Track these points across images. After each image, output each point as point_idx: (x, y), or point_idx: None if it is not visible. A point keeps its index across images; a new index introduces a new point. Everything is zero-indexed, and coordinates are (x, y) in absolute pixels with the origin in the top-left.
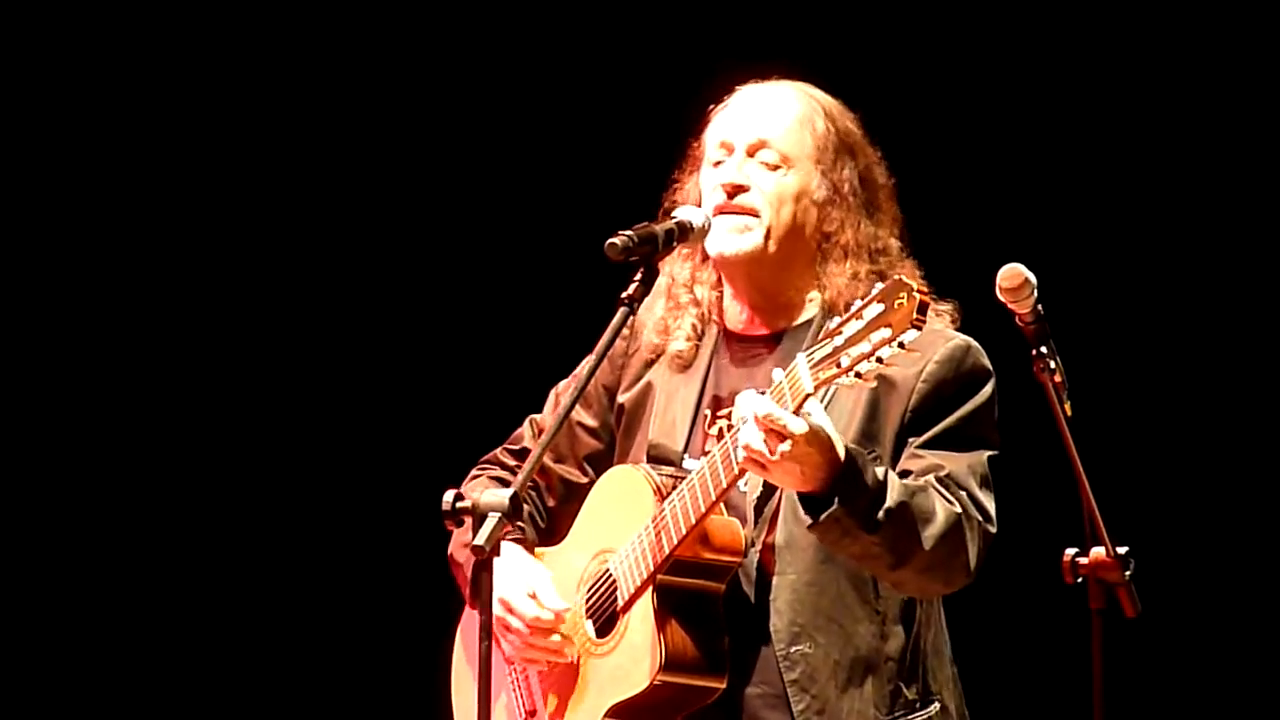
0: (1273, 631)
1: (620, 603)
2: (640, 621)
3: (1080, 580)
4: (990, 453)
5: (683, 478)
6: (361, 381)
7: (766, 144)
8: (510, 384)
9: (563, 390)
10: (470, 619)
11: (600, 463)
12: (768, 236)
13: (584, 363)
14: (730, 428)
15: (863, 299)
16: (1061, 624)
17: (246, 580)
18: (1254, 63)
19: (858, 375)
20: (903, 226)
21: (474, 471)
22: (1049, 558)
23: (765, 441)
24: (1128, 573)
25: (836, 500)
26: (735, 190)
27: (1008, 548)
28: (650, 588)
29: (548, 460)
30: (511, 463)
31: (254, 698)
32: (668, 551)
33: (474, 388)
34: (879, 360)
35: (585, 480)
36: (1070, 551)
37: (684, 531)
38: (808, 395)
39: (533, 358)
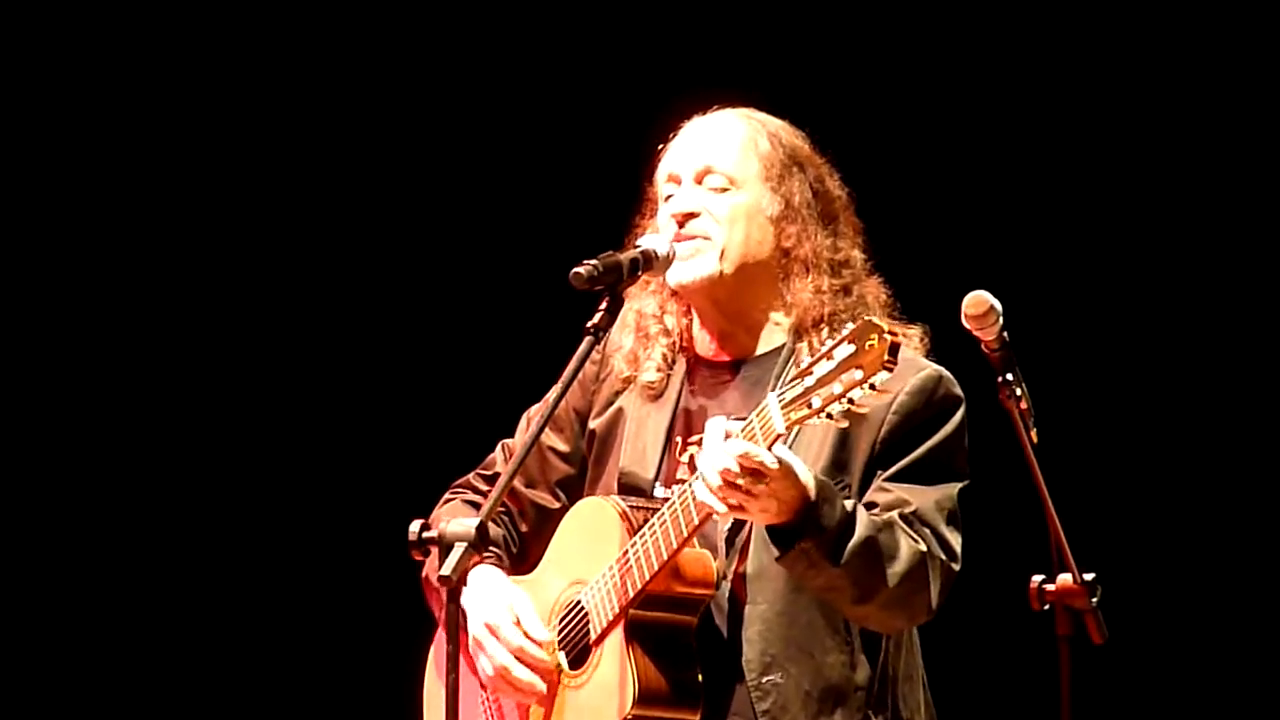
0: (1239, 657)
1: (593, 636)
2: (612, 655)
3: (1047, 607)
4: (960, 484)
5: (654, 509)
6: (337, 405)
7: (712, 169)
8: (483, 408)
9: (535, 414)
10: (444, 641)
11: (572, 488)
12: (723, 258)
13: (553, 390)
14: None
15: (829, 336)
16: (1029, 651)
17: (219, 606)
18: (1215, 94)
19: (828, 416)
20: (865, 238)
21: (446, 495)
22: (1016, 584)
23: (744, 477)
24: (1094, 599)
25: (804, 533)
26: (686, 218)
27: (975, 574)
28: (622, 622)
29: (520, 486)
30: (484, 487)
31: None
32: (640, 586)
33: (447, 412)
34: (849, 401)
35: (557, 506)
36: (1037, 578)
37: (656, 567)
38: (779, 436)
39: (505, 383)
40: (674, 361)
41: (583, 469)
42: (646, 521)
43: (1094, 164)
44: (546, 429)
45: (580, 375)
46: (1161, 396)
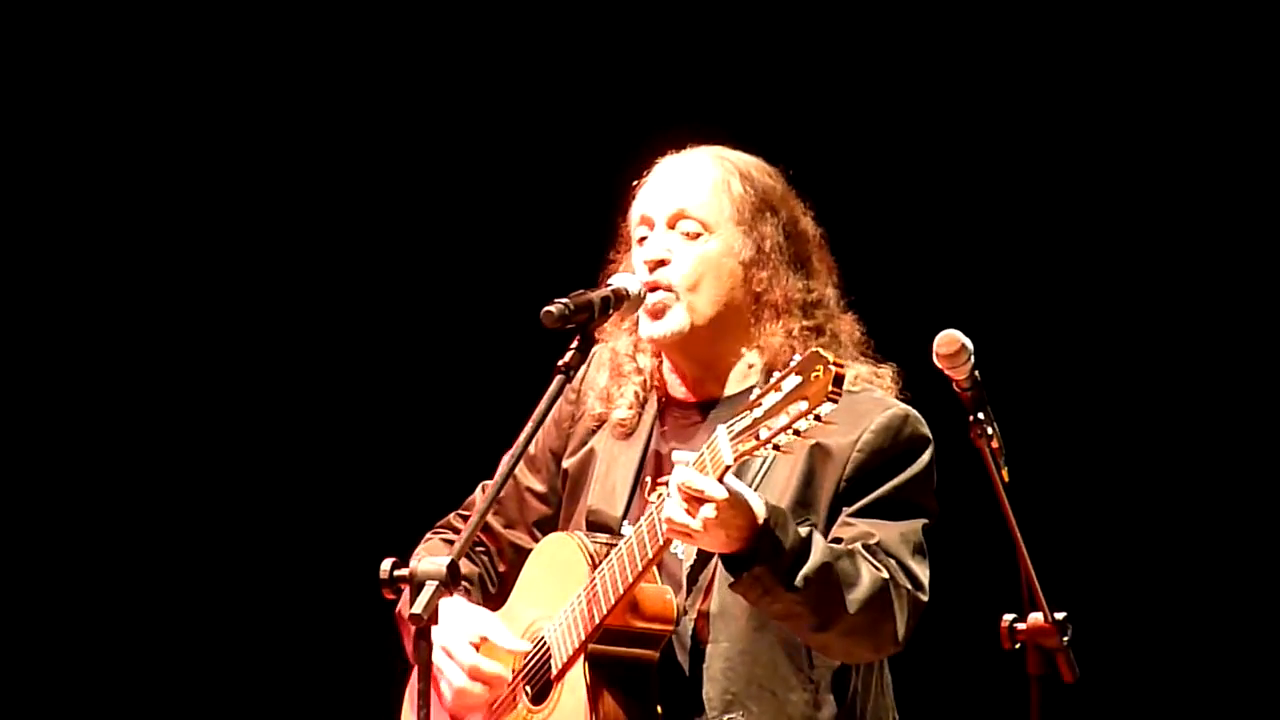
0: (1211, 695)
1: (554, 671)
2: (573, 690)
3: (1019, 646)
4: (925, 521)
5: (614, 545)
6: (318, 448)
7: (684, 214)
8: (464, 449)
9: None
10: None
11: (549, 527)
12: (693, 311)
13: (524, 430)
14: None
15: (782, 369)
16: (1000, 690)
17: (189, 646)
18: (1182, 139)
19: (776, 447)
20: (839, 276)
21: (426, 536)
22: (987, 623)
23: (687, 508)
24: (1066, 638)
25: (756, 558)
26: (657, 265)
27: (946, 613)
28: (582, 656)
29: (498, 526)
30: (463, 527)
31: None
32: (598, 621)
33: (427, 453)
34: (796, 433)
35: (535, 545)
36: (1008, 617)
37: (613, 601)
38: (727, 468)
39: (485, 424)
40: (645, 400)
41: (559, 508)
42: (606, 557)
43: (1065, 204)
44: (524, 469)
45: (556, 414)
46: (1133, 435)
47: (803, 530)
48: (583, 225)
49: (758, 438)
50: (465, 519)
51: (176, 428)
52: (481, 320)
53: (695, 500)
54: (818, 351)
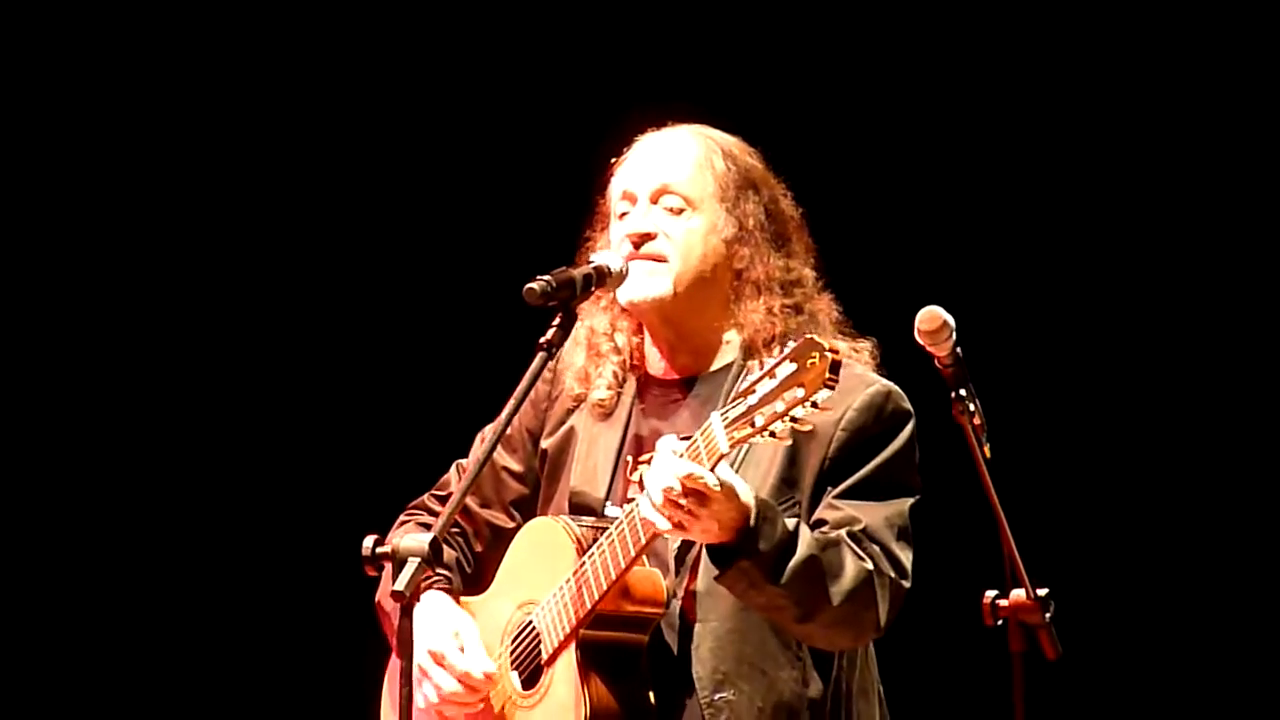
0: (1192, 673)
1: (544, 656)
2: (564, 676)
3: (1001, 622)
4: (911, 500)
5: (603, 529)
6: (291, 428)
7: (668, 189)
8: (438, 428)
9: (489, 432)
10: (397, 667)
11: (526, 507)
12: (677, 281)
13: (505, 408)
14: None
15: (776, 355)
16: (982, 666)
17: (167, 631)
18: (1159, 111)
19: (771, 434)
20: (817, 256)
21: (401, 518)
22: (969, 600)
23: (686, 498)
24: (1048, 615)
25: (744, 552)
26: (642, 239)
27: (928, 590)
28: (573, 642)
29: (474, 505)
30: (438, 508)
31: None
32: (590, 606)
33: (401, 432)
34: (792, 419)
35: (512, 525)
36: (990, 594)
37: (605, 586)
38: (722, 456)
39: (459, 402)
40: (624, 380)
41: (536, 488)
42: (596, 541)
43: (1047, 180)
44: (500, 449)
45: (533, 394)
46: (1115, 411)
47: (789, 522)
48: (560, 204)
49: (753, 425)
50: (440, 499)
51: (149, 411)
52: (460, 298)
53: (694, 492)
54: (812, 338)
